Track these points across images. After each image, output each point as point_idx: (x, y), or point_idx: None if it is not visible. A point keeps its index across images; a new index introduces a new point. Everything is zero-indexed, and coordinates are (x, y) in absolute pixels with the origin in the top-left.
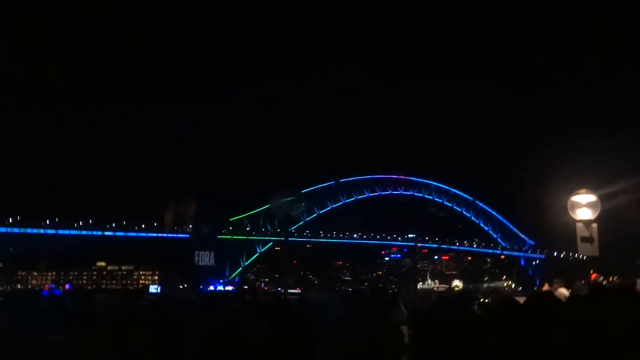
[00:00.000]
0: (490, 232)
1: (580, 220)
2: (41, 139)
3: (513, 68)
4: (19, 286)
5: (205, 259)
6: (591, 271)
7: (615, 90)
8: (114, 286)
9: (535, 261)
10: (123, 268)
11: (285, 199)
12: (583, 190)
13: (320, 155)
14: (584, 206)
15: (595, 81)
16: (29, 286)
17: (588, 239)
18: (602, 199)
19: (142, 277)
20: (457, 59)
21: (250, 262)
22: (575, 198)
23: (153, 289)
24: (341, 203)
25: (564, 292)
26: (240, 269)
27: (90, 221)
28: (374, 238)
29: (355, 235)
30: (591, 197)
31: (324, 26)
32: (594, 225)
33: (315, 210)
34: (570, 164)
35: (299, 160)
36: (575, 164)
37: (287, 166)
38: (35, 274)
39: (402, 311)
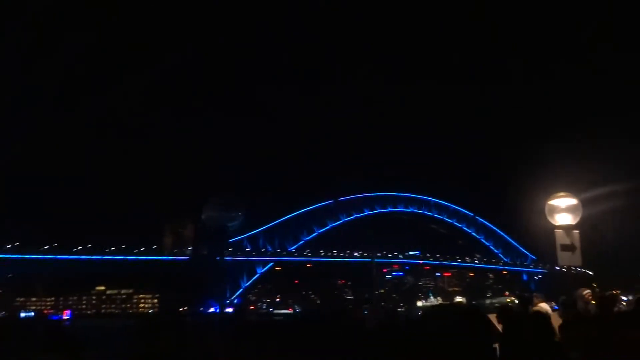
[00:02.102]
0: (492, 247)
1: (560, 227)
2: (34, 159)
3: (500, 72)
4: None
5: (204, 281)
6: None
7: (603, 90)
8: (113, 310)
9: (538, 276)
10: (122, 292)
11: (220, 209)
12: (562, 194)
13: (318, 173)
14: (563, 210)
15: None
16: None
17: (569, 247)
18: (586, 203)
19: (142, 301)
20: (451, 67)
21: (251, 282)
22: (554, 202)
23: (24, 314)
24: (341, 222)
25: (543, 306)
26: (241, 290)
27: (89, 245)
28: (375, 256)
29: (356, 254)
30: (571, 201)
31: (321, 39)
32: (576, 231)
33: (315, 229)
34: (572, 172)
35: (297, 180)
36: (577, 171)
37: (285, 186)
38: (34, 299)
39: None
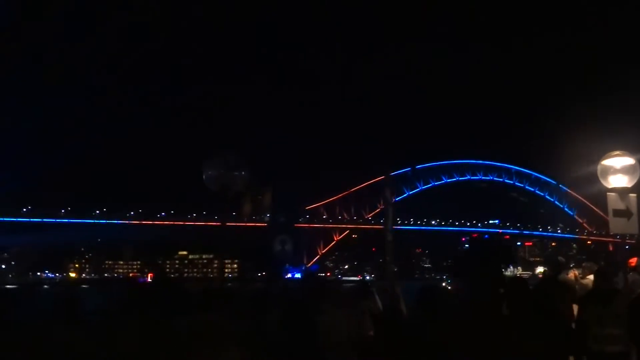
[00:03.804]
0: (576, 216)
1: (613, 189)
2: (115, 132)
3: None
4: (106, 275)
5: (282, 247)
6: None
7: None
8: (195, 274)
9: (626, 246)
10: (204, 257)
11: (220, 168)
12: (617, 152)
13: (396, 141)
14: (618, 172)
15: None
16: (114, 275)
17: (623, 213)
18: None
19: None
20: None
21: (327, 249)
22: (607, 162)
23: None
24: (418, 190)
25: (591, 278)
26: (318, 257)
27: (172, 212)
28: (452, 224)
29: (433, 222)
30: (628, 160)
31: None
32: (632, 195)
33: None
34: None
35: (374, 147)
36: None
37: (362, 154)
38: (121, 262)
39: (376, 303)
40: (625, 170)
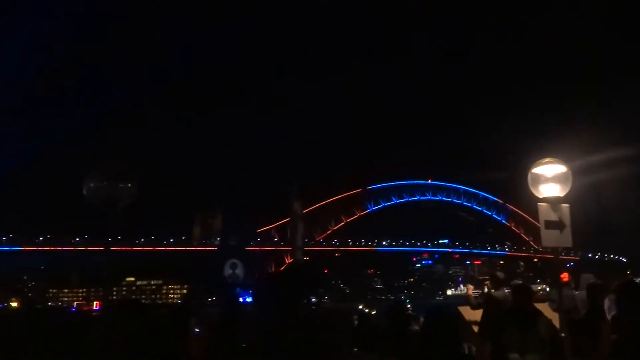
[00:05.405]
0: (523, 234)
1: (545, 199)
2: (60, 156)
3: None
4: (50, 304)
5: (233, 271)
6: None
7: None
8: (143, 301)
9: (570, 263)
10: (152, 282)
11: (106, 179)
12: (548, 159)
13: (346, 163)
14: (549, 180)
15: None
16: (59, 303)
17: (555, 225)
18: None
19: (172, 291)
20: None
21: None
22: (538, 170)
23: None
24: (369, 210)
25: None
26: None
27: (119, 237)
28: (403, 245)
29: (384, 243)
30: (560, 168)
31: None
32: (565, 205)
33: (343, 218)
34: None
35: (324, 169)
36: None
37: (313, 175)
38: (66, 290)
39: None
40: (557, 179)
